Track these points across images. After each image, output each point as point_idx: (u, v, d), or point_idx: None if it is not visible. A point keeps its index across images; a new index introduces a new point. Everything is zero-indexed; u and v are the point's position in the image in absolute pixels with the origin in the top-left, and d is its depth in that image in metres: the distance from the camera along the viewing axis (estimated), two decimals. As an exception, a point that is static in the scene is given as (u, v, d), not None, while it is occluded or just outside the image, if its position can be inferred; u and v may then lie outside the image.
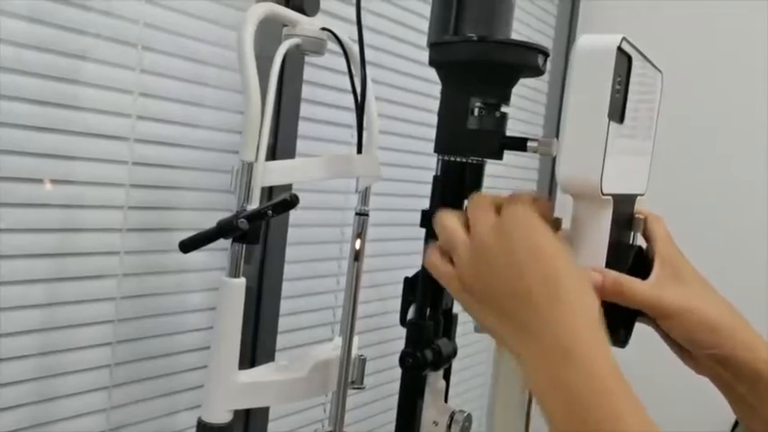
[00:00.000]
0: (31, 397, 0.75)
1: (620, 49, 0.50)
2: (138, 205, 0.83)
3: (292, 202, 0.67)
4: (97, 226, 0.79)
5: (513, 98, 0.62)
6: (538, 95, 1.69)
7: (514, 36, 0.64)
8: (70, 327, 0.78)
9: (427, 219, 0.62)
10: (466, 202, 0.60)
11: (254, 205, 0.67)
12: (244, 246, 0.68)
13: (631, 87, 0.52)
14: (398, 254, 1.23)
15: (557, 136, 0.53)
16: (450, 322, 0.66)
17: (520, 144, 0.60)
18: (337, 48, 0.75)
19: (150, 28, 0.81)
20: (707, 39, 1.58)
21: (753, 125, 1.53)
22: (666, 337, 0.56)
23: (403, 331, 0.63)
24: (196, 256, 0.80)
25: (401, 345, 0.63)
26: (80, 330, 0.79)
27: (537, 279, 0.46)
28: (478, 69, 0.60)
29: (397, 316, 0.65)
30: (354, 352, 0.78)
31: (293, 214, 0.99)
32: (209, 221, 0.67)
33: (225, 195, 0.91)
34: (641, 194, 0.60)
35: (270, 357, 1.00)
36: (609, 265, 0.53)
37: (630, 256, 0.56)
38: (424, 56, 0.63)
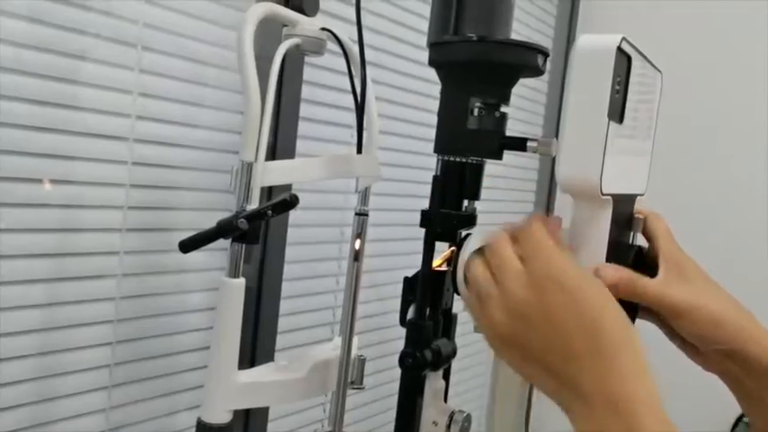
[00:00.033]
0: (31, 397, 0.75)
1: (619, 49, 0.50)
2: (138, 205, 0.82)
3: (292, 202, 0.67)
4: (97, 226, 0.79)
5: (512, 98, 0.62)
6: (537, 95, 1.69)
7: (514, 36, 0.64)
8: (70, 327, 0.78)
9: (427, 219, 0.62)
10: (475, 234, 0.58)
11: (253, 205, 0.67)
12: (243, 246, 0.68)
13: (631, 87, 0.52)
14: (398, 254, 1.23)
15: (556, 136, 0.53)
16: (449, 322, 0.66)
17: (519, 144, 0.60)
18: (337, 48, 0.75)
19: (150, 28, 0.81)
20: (707, 39, 1.58)
21: (753, 125, 1.53)
22: (672, 334, 0.56)
23: (403, 331, 0.63)
24: (196, 257, 0.80)
25: (401, 345, 0.63)
26: (80, 330, 0.79)
27: (579, 335, 0.45)
28: (478, 69, 0.60)
29: (397, 316, 0.65)
30: (354, 352, 0.78)
31: (293, 214, 0.99)
32: (209, 221, 0.67)
33: (224, 195, 0.91)
34: (641, 194, 0.60)
35: (269, 357, 1.00)
36: (608, 265, 0.53)
37: (630, 256, 0.56)
38: (424, 56, 0.63)
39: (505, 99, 0.61)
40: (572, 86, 0.50)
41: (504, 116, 0.61)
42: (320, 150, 1.04)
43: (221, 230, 0.66)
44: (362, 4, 0.71)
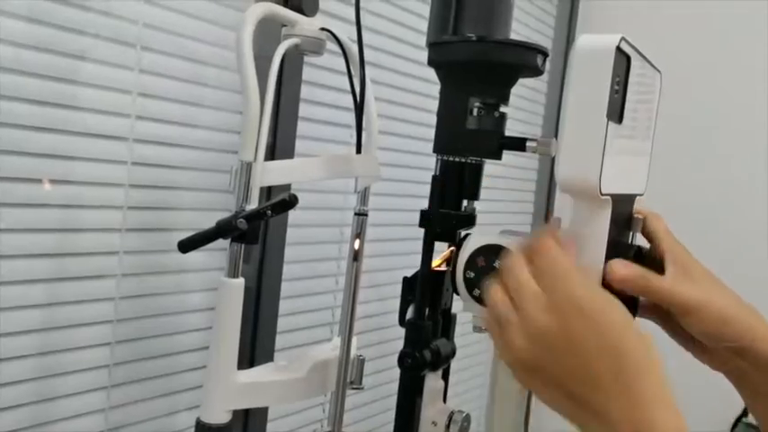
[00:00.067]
0: (31, 397, 0.75)
1: (618, 49, 0.50)
2: (138, 205, 0.82)
3: (291, 202, 0.67)
4: (96, 226, 0.79)
5: (511, 98, 0.62)
6: (537, 95, 1.69)
7: (513, 36, 0.64)
8: (69, 327, 0.78)
9: (426, 219, 0.62)
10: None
11: (252, 205, 0.67)
12: (243, 246, 0.68)
13: (630, 87, 0.52)
14: (397, 254, 1.23)
15: (555, 136, 0.53)
16: (448, 322, 0.66)
17: (519, 144, 0.60)
18: (336, 48, 0.75)
19: (149, 28, 0.81)
20: (707, 39, 1.58)
21: (753, 125, 1.53)
22: (676, 332, 0.56)
23: (402, 331, 0.63)
24: (195, 257, 0.80)
25: (400, 345, 0.63)
26: (79, 330, 0.79)
27: (601, 358, 0.45)
28: (477, 69, 0.60)
29: (396, 316, 0.65)
30: (353, 352, 0.78)
31: (292, 214, 0.99)
32: (209, 221, 0.67)
33: (224, 195, 0.91)
34: (640, 194, 0.60)
35: (269, 357, 1.00)
36: (608, 265, 0.53)
37: (630, 256, 0.56)
38: (424, 56, 0.63)
39: (505, 99, 0.61)
40: (571, 86, 0.50)
41: (503, 116, 0.61)
42: (319, 150, 1.04)
43: (220, 230, 0.66)
44: (362, 4, 0.71)
